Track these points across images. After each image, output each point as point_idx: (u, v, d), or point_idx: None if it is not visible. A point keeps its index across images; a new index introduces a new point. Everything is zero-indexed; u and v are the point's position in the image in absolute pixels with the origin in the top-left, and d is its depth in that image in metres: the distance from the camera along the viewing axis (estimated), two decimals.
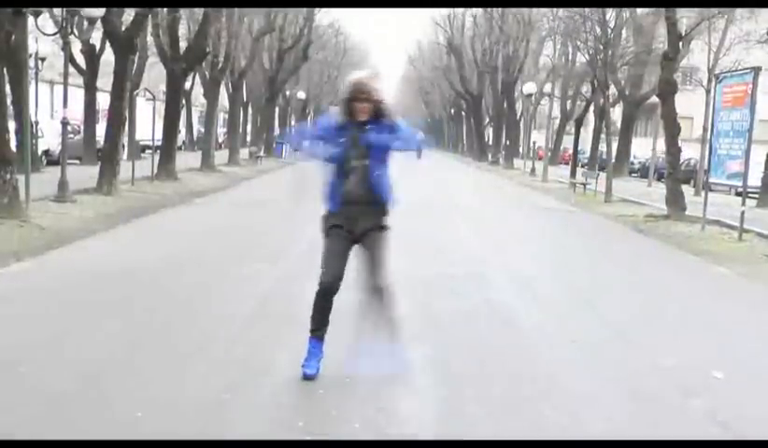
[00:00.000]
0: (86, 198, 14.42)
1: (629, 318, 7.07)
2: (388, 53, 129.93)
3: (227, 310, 6.59)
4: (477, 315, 6.80)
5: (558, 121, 47.81)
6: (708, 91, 25.21)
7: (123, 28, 16.81)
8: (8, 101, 12.98)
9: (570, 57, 37.58)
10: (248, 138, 41.94)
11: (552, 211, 19.01)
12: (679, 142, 17.16)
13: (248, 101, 40.90)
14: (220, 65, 26.80)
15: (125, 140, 21.85)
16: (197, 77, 36.37)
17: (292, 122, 59.64)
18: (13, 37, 13.25)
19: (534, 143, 40.46)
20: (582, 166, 36.12)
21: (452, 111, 72.34)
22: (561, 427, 4.29)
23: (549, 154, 36.30)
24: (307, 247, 9.69)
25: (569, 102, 44.40)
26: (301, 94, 53.31)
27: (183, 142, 40.39)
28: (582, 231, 15.38)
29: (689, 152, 33.30)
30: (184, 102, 34.90)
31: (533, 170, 34.54)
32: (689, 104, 34.26)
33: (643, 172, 36.76)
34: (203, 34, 21.35)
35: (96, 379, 4.71)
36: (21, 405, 4.23)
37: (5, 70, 11.82)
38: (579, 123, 31.97)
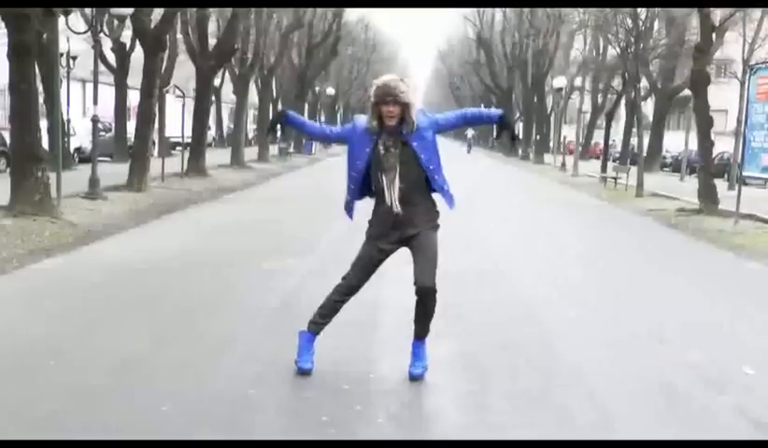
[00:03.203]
0: (117, 195, 14.59)
1: (658, 314, 6.98)
2: (418, 48, 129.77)
3: (254, 304, 6.64)
4: (505, 311, 6.78)
5: (589, 115, 47.37)
6: (743, 84, 24.79)
7: (152, 26, 16.97)
8: (41, 99, 13.17)
9: (601, 50, 37.21)
10: (279, 134, 42.07)
11: (582, 206, 18.85)
12: (712, 135, 16.92)
13: (278, 97, 41.05)
14: (249, 62, 26.97)
15: (156, 137, 22.07)
16: (227, 74, 36.58)
17: (322, 118, 59.86)
18: (45, 36, 13.40)
19: (564, 137, 40.14)
20: (614, 160, 35.75)
21: (482, 106, 71.97)
22: (589, 422, 4.25)
23: (580, 149, 36.02)
24: (333, 245, 9.78)
25: (600, 95, 43.98)
26: (330, 90, 53.47)
27: (213, 138, 40.68)
28: (612, 225, 15.22)
29: (724, 145, 32.80)
30: (214, 98, 35.14)
31: (563, 164, 34.25)
32: (723, 96, 33.79)
33: (675, 166, 36.26)
34: (231, 30, 21.51)
35: (123, 373, 4.76)
36: (49, 398, 4.29)
37: (36, 69, 11.99)
38: (610, 117, 31.68)
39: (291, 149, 36.03)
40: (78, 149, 25.45)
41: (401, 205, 4.62)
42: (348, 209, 4.90)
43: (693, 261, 10.78)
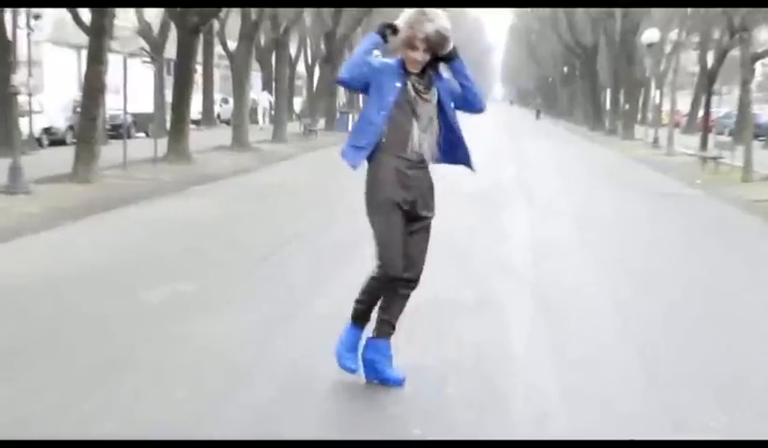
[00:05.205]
0: (49, 187, 13.91)
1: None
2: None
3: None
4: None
5: (696, 79, 45.21)
6: None
7: None
8: None
9: None
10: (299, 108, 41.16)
11: (664, 196, 17.29)
12: None
13: (296, 60, 40.00)
14: (254, 19, 25.80)
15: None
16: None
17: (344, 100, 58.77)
18: None
19: (659, 106, 38.37)
20: (729, 134, 33.73)
21: (565, 70, 70.06)
22: (527, 419, 4.51)
23: (684, 120, 34.19)
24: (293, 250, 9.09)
25: (712, 53, 41.74)
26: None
27: (217, 115, 39.30)
28: (695, 227, 13.17)
29: None
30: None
31: (655, 140, 32.60)
32: None
33: None
34: None
35: None
36: None
37: None
38: (711, 79, 29.73)
39: (319, 127, 34.84)
40: (47, 130, 24.82)
41: (416, 168, 4.59)
42: (356, 157, 4.65)
43: None
